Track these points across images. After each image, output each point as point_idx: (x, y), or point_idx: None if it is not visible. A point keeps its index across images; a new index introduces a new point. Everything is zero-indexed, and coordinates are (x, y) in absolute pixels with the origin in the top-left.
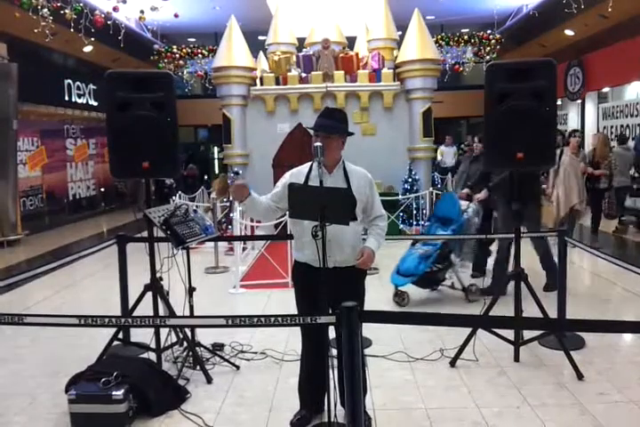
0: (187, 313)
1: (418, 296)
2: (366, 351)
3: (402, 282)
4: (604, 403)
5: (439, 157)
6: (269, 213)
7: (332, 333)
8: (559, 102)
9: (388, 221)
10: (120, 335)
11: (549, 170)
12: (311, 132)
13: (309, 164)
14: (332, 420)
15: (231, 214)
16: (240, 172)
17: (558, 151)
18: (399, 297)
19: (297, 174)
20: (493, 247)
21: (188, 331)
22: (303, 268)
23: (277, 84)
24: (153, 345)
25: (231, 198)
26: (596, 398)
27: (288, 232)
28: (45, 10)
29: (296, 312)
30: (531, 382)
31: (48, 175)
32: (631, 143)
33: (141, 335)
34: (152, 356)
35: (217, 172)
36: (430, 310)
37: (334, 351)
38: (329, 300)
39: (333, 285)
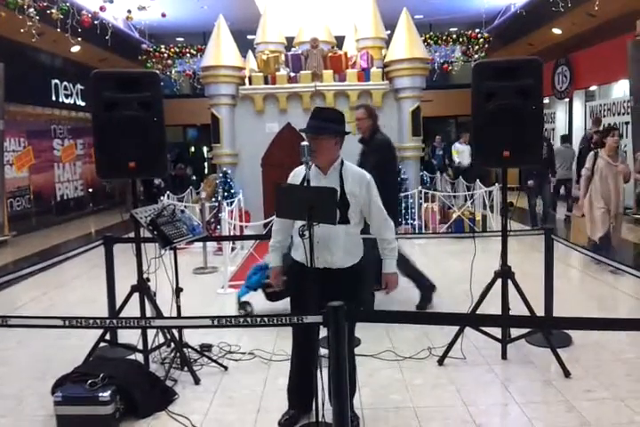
0: (174, 314)
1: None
2: (355, 351)
3: (240, 292)
4: (591, 400)
5: (455, 158)
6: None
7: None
8: (547, 101)
9: None
10: (107, 337)
11: (582, 175)
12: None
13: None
14: (320, 420)
15: (219, 215)
16: (229, 171)
17: (592, 154)
18: (241, 307)
19: (295, 175)
20: None
21: (175, 332)
22: (297, 266)
23: (266, 83)
24: (140, 346)
25: (219, 198)
26: (582, 396)
27: None
28: (32, 9)
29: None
30: (518, 379)
31: (35, 176)
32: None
33: (128, 337)
34: (139, 357)
35: (206, 172)
36: None
37: (325, 351)
38: (322, 300)
39: (326, 285)
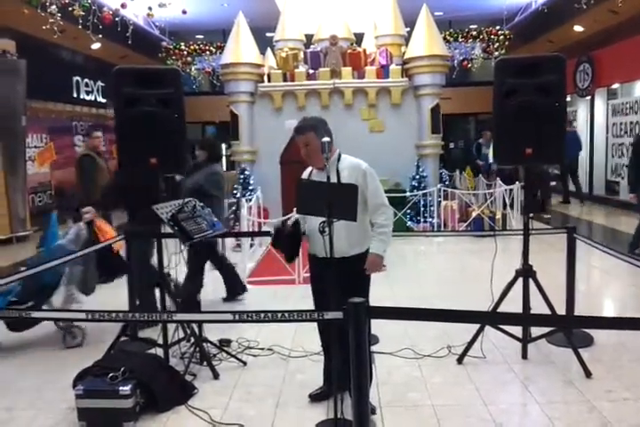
0: None
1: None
2: (373, 348)
3: None
4: (612, 401)
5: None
6: None
7: None
8: (568, 99)
9: (395, 218)
10: (128, 331)
11: None
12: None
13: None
14: (339, 416)
15: (238, 211)
16: (248, 168)
17: None
18: None
19: (305, 174)
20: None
21: (195, 327)
22: (310, 258)
23: (285, 80)
24: (160, 341)
25: (238, 195)
26: (603, 396)
27: None
28: (54, 7)
29: (302, 308)
30: (538, 379)
31: (57, 172)
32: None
33: (148, 331)
34: (159, 351)
35: (224, 169)
36: None
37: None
38: (325, 288)
39: (329, 273)
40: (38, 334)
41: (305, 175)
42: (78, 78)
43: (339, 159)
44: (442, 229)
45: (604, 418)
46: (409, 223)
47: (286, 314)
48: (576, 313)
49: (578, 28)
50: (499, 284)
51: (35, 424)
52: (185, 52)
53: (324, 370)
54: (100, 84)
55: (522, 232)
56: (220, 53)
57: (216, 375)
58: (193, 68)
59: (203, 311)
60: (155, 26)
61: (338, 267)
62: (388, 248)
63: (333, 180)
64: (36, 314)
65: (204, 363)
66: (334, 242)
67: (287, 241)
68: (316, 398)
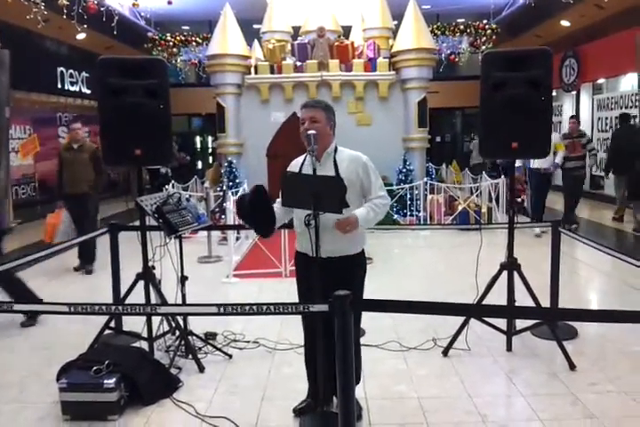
0: (179, 302)
1: None
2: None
3: None
4: (596, 393)
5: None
6: (286, 215)
7: None
8: (554, 94)
9: None
10: (112, 324)
11: None
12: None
13: (305, 155)
14: (325, 409)
15: (224, 204)
16: (234, 161)
17: None
18: None
19: (292, 166)
20: None
21: (180, 320)
22: (301, 257)
23: (272, 72)
24: (145, 334)
25: (224, 188)
26: (587, 388)
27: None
28: None
29: (288, 301)
30: (523, 371)
31: (40, 164)
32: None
33: (133, 324)
34: (144, 345)
35: (210, 161)
36: None
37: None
38: (326, 290)
39: (329, 275)
40: (21, 327)
41: (296, 164)
42: (63, 69)
43: (335, 151)
44: (428, 222)
45: (588, 410)
46: (395, 217)
47: (272, 307)
48: (560, 306)
49: (564, 23)
50: (484, 277)
51: (20, 418)
52: (171, 43)
53: (308, 379)
54: (84, 74)
55: (507, 226)
56: (207, 45)
57: (201, 368)
58: (179, 60)
59: (187, 304)
60: (140, 16)
61: (338, 267)
62: (374, 241)
63: (331, 172)
64: (17, 307)
65: (190, 356)
66: (334, 241)
67: (250, 209)
68: (300, 412)
